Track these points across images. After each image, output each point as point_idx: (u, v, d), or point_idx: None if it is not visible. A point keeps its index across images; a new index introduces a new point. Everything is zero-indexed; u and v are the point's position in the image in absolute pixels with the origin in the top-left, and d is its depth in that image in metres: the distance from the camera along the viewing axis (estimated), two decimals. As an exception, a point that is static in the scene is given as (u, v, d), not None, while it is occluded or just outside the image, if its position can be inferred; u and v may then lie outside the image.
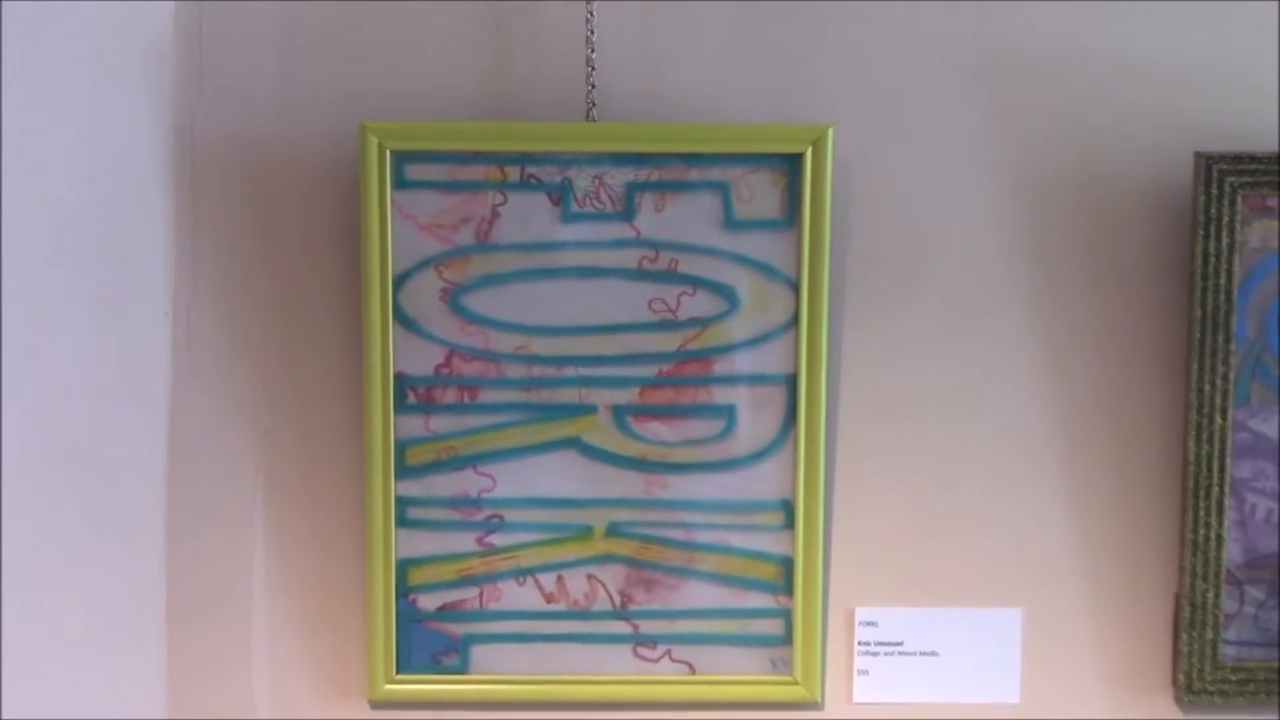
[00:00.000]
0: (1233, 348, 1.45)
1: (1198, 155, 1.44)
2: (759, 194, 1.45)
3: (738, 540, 1.49)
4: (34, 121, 1.27)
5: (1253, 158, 1.43)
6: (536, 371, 1.47)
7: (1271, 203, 1.44)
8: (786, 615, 1.49)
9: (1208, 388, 1.45)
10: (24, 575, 1.26)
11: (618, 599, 1.49)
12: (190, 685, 1.52)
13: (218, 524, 1.51)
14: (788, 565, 1.49)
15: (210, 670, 1.52)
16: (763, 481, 1.48)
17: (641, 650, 1.50)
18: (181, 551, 1.51)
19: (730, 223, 1.45)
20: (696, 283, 1.46)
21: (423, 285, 1.46)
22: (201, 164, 1.49)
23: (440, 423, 1.48)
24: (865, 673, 1.52)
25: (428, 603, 1.49)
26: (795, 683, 1.49)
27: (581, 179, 1.45)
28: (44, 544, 1.29)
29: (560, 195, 1.45)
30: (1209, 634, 1.47)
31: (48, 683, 1.29)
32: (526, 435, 1.48)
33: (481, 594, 1.49)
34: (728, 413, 1.48)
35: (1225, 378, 1.45)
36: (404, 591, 1.49)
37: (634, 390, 1.47)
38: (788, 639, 1.49)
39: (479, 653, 1.50)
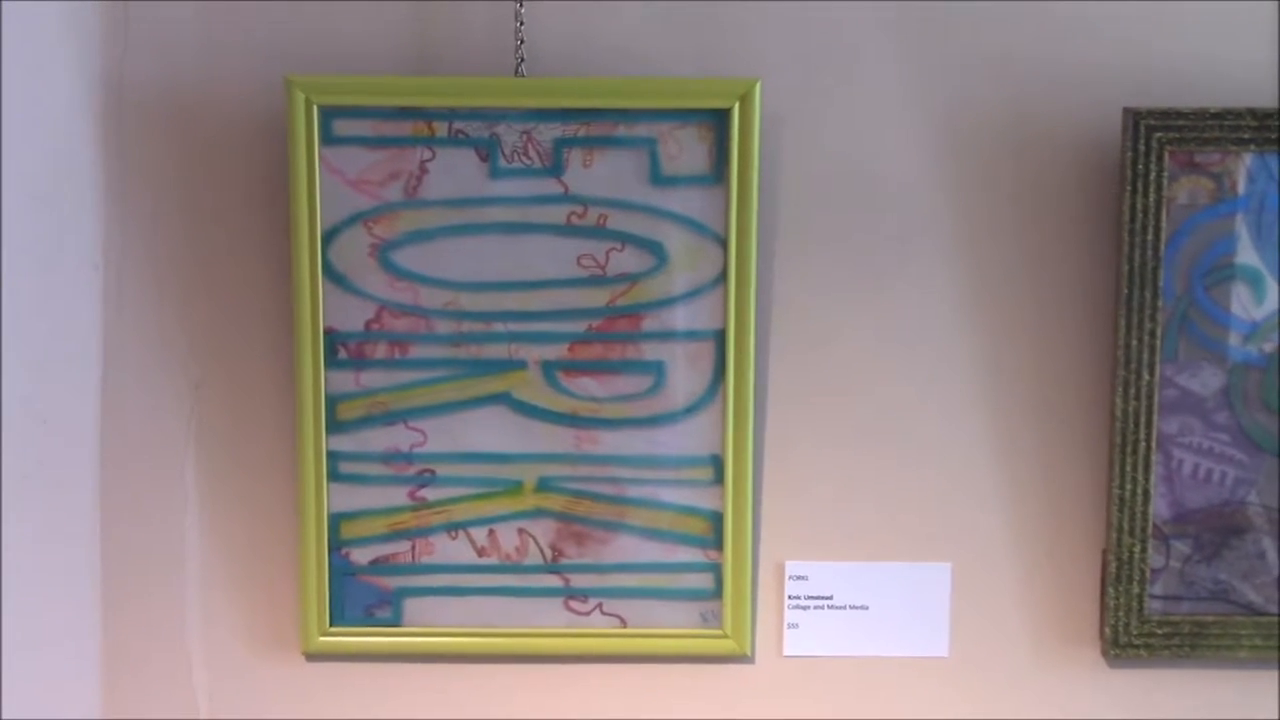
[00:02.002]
0: (1160, 304, 1.45)
1: (1126, 111, 1.43)
2: (687, 149, 1.45)
3: (668, 495, 1.49)
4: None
5: (1180, 113, 1.42)
6: (466, 327, 1.47)
7: (1199, 159, 1.44)
8: (716, 570, 1.50)
9: (1135, 344, 1.45)
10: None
11: (549, 553, 1.50)
12: (123, 637, 1.53)
13: (150, 477, 1.52)
14: (717, 520, 1.49)
15: (143, 622, 1.53)
16: (692, 437, 1.49)
17: (573, 604, 1.51)
18: (113, 504, 1.52)
19: (658, 178, 1.45)
20: (625, 239, 1.46)
21: (352, 241, 1.46)
22: (128, 116, 1.48)
23: (371, 378, 1.48)
24: (795, 626, 1.53)
25: (360, 556, 1.50)
26: (726, 636, 1.50)
27: (510, 134, 1.45)
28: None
29: (488, 151, 1.45)
30: (1135, 589, 1.48)
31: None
32: (457, 390, 1.48)
33: (414, 548, 1.50)
34: (657, 368, 1.48)
35: (1153, 334, 1.45)
36: (336, 545, 1.50)
37: (563, 346, 1.48)
38: (718, 593, 1.50)
39: (412, 606, 1.51)
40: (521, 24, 1.44)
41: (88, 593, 1.52)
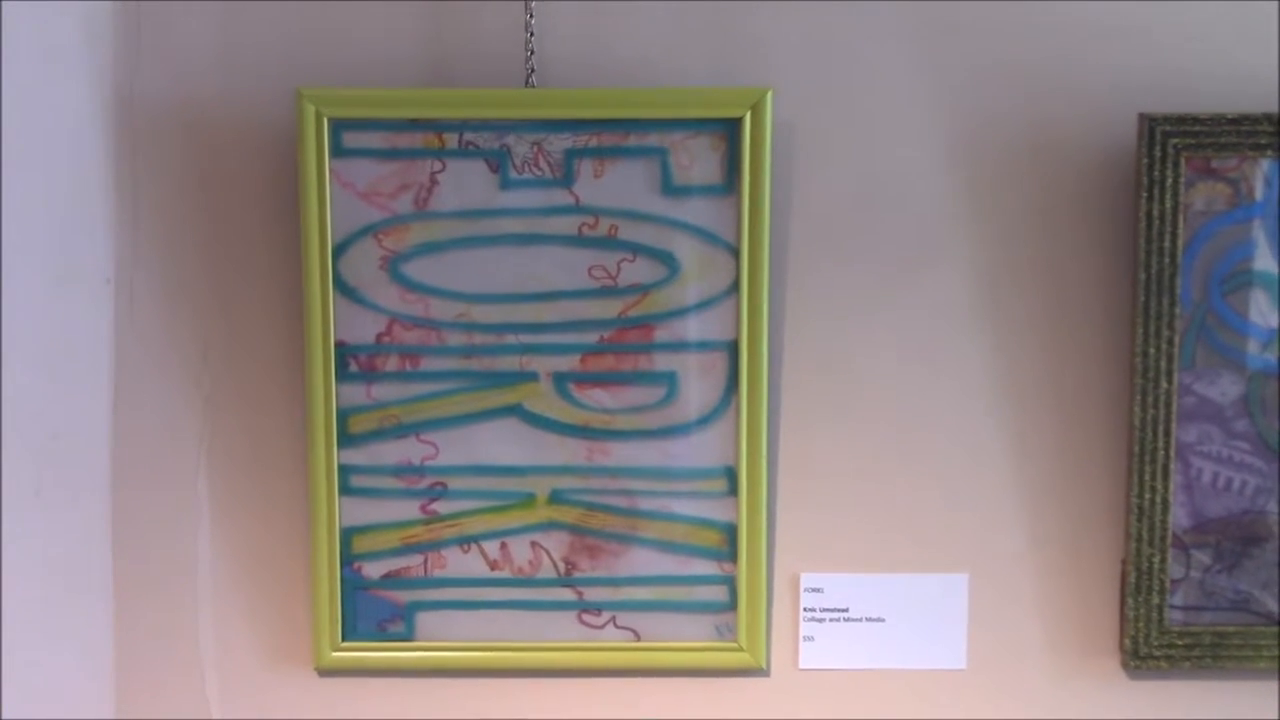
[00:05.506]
0: (1178, 311, 1.43)
1: (1142, 116, 1.42)
2: (698, 159, 1.44)
3: (681, 507, 1.48)
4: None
5: (1196, 119, 1.41)
6: (477, 339, 1.47)
7: (1216, 165, 1.42)
8: (731, 582, 1.49)
9: (1153, 351, 1.44)
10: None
11: (562, 566, 1.49)
12: (136, 652, 1.53)
13: (162, 492, 1.52)
14: (731, 532, 1.48)
15: (156, 637, 1.53)
16: (705, 448, 1.48)
17: (586, 617, 1.50)
18: (126, 519, 1.52)
19: (669, 188, 1.45)
20: (636, 249, 1.46)
21: (362, 253, 1.46)
22: (142, 131, 1.48)
23: (382, 391, 1.48)
24: (811, 639, 1.52)
25: (372, 570, 1.49)
26: (740, 649, 1.49)
27: (520, 146, 1.44)
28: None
29: (499, 162, 1.45)
30: (1155, 599, 1.47)
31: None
32: (468, 403, 1.48)
33: (426, 561, 1.50)
34: (669, 379, 1.47)
35: (1170, 341, 1.44)
36: (348, 559, 1.49)
37: (575, 357, 1.47)
38: (732, 605, 1.49)
39: (424, 620, 1.50)
40: (532, 35, 1.44)
41: (100, 607, 1.51)
